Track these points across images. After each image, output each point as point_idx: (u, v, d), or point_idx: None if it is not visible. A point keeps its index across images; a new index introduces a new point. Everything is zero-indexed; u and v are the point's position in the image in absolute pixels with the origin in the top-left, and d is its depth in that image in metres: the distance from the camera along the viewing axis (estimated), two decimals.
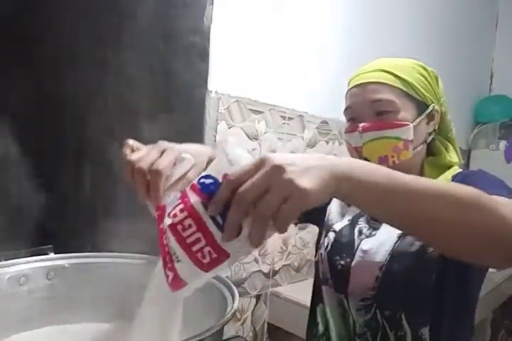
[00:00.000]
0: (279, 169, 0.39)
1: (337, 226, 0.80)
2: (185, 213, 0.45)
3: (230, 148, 0.45)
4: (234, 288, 0.66)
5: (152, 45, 1.19)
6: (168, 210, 0.49)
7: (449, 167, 0.76)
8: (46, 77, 1.51)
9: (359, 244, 0.75)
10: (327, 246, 0.79)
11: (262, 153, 1.23)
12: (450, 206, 0.45)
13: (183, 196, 0.47)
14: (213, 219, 0.43)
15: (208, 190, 0.44)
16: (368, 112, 0.73)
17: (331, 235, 0.80)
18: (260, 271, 1.29)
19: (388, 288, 0.70)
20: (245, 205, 0.40)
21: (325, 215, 0.85)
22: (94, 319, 0.76)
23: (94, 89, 1.36)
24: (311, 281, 1.44)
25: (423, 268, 0.68)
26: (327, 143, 1.48)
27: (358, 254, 0.74)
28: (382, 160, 0.72)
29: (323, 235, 0.82)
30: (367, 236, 0.75)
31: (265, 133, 1.24)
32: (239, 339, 1.23)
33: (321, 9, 1.42)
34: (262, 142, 1.23)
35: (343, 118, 1.71)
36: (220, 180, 0.43)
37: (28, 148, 1.58)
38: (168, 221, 0.47)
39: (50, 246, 0.81)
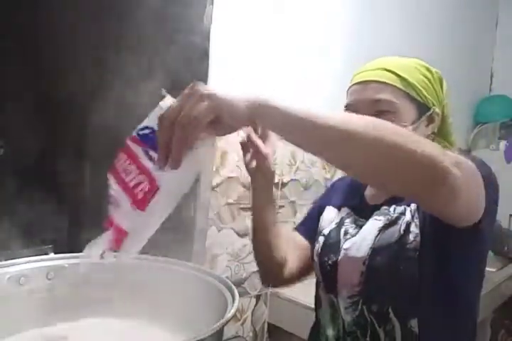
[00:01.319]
0: (198, 90, 0.45)
1: (326, 231, 0.82)
2: (129, 161, 0.52)
3: (163, 102, 0.50)
4: (234, 288, 0.66)
5: (152, 45, 1.19)
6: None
7: None
8: (46, 77, 1.51)
9: (344, 243, 0.76)
10: (317, 250, 0.81)
11: None
12: (368, 127, 0.47)
13: (127, 149, 0.53)
14: (152, 161, 0.49)
15: (146, 138, 0.50)
16: (367, 111, 0.72)
17: (321, 239, 0.82)
18: None
19: (373, 281, 0.71)
20: (168, 122, 0.45)
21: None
22: (94, 318, 0.76)
23: (94, 89, 1.36)
24: (311, 281, 1.44)
25: (404, 259, 0.68)
26: None
27: (343, 252, 0.75)
28: None
29: (316, 242, 0.84)
30: (352, 236, 0.76)
31: None
32: (239, 339, 1.23)
33: (321, 9, 1.41)
34: None
35: None
36: (156, 127, 0.49)
37: (28, 149, 1.58)
38: (114, 172, 0.55)
39: (50, 246, 0.81)
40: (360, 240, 0.73)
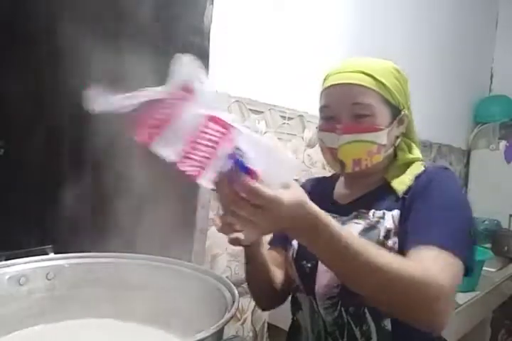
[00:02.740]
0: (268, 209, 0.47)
1: None
2: (218, 136, 0.49)
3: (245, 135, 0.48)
4: (234, 288, 0.66)
5: (152, 45, 1.19)
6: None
7: (411, 163, 0.78)
8: (46, 77, 1.51)
9: None
10: (293, 254, 0.81)
11: None
12: (379, 282, 0.55)
13: (227, 132, 0.49)
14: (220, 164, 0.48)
15: (238, 162, 0.47)
16: (346, 113, 0.73)
17: (294, 243, 0.81)
18: None
19: None
20: (234, 206, 0.48)
21: None
22: (94, 318, 0.76)
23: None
24: None
25: None
26: None
27: None
28: (356, 163, 0.74)
29: (288, 247, 0.83)
30: None
31: (265, 133, 1.24)
32: (238, 339, 1.23)
33: (321, 9, 1.42)
34: None
35: None
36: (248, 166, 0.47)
37: (27, 149, 1.58)
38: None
39: (50, 246, 0.81)
40: None
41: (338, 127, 0.73)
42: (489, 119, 2.58)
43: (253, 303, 1.28)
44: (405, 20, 1.84)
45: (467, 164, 2.60)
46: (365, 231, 0.72)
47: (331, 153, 0.75)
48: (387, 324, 0.70)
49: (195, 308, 0.72)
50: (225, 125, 0.50)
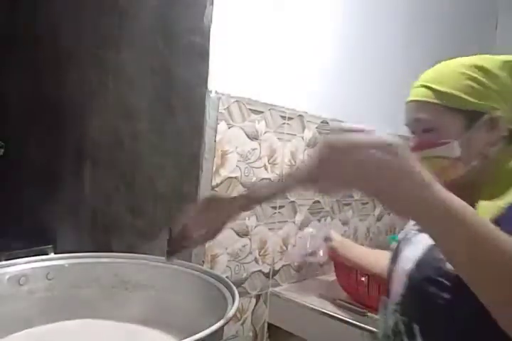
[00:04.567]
0: None
1: (400, 235, 0.81)
2: None
3: None
4: (234, 288, 0.66)
5: (152, 45, 1.19)
6: None
7: None
8: (46, 77, 1.51)
9: (402, 250, 0.76)
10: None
11: (262, 153, 1.23)
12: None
13: None
14: None
15: None
16: (416, 130, 0.72)
17: (395, 244, 0.81)
18: (260, 271, 1.28)
19: (408, 296, 0.70)
20: None
21: None
22: (94, 318, 0.76)
23: (94, 89, 1.36)
24: (311, 281, 1.44)
25: (438, 284, 0.64)
26: None
27: (398, 260, 0.76)
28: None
29: None
30: (408, 242, 0.76)
31: (265, 133, 1.24)
32: (238, 339, 1.23)
33: (322, 9, 1.41)
34: (262, 142, 1.23)
35: (343, 118, 1.70)
36: None
37: (27, 148, 1.58)
38: None
39: (50, 246, 0.81)
40: (413, 252, 0.72)
41: (410, 145, 0.72)
42: None
43: (253, 303, 1.28)
44: (404, 20, 1.84)
45: None
46: (433, 246, 0.65)
47: None
48: None
49: (195, 308, 0.72)
50: None
